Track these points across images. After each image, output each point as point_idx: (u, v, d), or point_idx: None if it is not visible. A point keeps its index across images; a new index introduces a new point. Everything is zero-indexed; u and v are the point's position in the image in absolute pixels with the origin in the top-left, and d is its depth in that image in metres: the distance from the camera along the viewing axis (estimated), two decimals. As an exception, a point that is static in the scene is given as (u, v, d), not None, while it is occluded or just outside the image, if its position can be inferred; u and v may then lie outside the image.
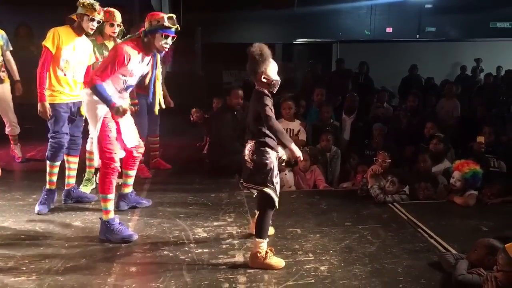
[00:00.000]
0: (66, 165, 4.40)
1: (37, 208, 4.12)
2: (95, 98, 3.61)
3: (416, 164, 5.16)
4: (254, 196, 3.47)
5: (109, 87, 3.62)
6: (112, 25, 4.50)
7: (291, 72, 11.19)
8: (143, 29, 3.62)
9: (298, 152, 3.23)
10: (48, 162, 4.23)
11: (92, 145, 4.64)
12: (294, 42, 13.97)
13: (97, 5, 4.12)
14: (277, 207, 3.26)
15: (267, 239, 3.27)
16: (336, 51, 12.21)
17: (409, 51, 11.93)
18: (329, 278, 3.13)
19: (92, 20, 4.12)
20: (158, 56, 3.72)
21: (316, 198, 4.73)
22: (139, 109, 4.80)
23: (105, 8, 4.48)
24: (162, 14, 3.62)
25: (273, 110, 3.18)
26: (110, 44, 4.61)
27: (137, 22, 5.54)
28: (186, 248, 3.52)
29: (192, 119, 6.58)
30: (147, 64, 3.75)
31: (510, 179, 4.86)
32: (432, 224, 4.03)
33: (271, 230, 3.71)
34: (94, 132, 3.72)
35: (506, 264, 2.40)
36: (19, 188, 4.80)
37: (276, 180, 3.23)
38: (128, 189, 4.23)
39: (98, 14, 4.14)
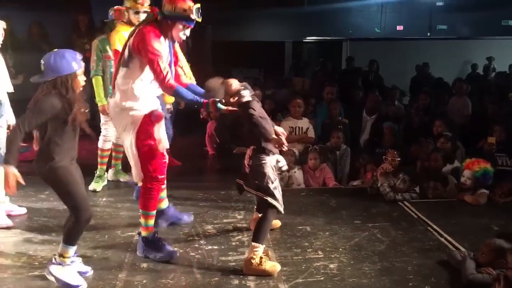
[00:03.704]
0: None
1: None
2: (126, 105, 3.25)
3: (427, 162, 5.14)
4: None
5: (142, 83, 3.25)
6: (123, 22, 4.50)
7: (300, 71, 11.18)
8: (159, 11, 3.22)
9: (278, 139, 3.16)
10: None
11: (104, 142, 4.70)
12: (304, 40, 13.93)
13: None
14: (282, 212, 3.24)
15: (264, 245, 3.18)
16: (346, 49, 12.16)
17: (420, 49, 11.85)
18: (339, 276, 3.14)
19: (137, 13, 4.08)
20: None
21: (326, 196, 4.73)
22: None
23: (115, 7, 4.51)
24: (189, 3, 3.22)
25: (256, 110, 3.20)
26: (121, 42, 4.63)
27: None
28: (196, 245, 3.55)
29: (202, 116, 6.58)
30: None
31: (522, 178, 4.83)
32: (443, 222, 4.02)
33: (277, 223, 3.72)
34: (129, 143, 3.30)
35: None
36: (32, 184, 4.79)
37: (274, 185, 3.19)
38: (164, 204, 3.81)
39: (142, 5, 4.07)
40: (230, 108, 3.14)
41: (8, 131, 3.94)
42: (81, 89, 2.89)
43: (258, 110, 3.21)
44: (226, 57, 10.84)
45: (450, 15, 16.63)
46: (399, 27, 17.09)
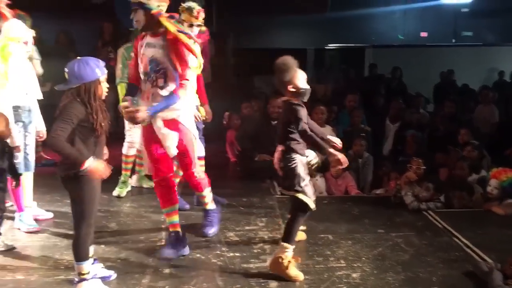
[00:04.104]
0: None
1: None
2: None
3: (451, 170, 5.06)
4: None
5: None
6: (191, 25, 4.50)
7: (323, 78, 11.15)
8: None
9: (339, 156, 3.15)
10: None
11: (129, 149, 4.77)
12: (326, 47, 13.90)
13: (195, 10, 3.98)
14: (313, 209, 3.22)
15: (294, 246, 3.20)
16: (369, 56, 12.08)
17: (444, 56, 11.68)
18: (362, 285, 3.11)
19: (191, 26, 4.00)
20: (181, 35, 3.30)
21: (348, 204, 4.69)
22: None
23: None
24: None
25: (306, 121, 3.19)
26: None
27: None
28: (218, 252, 3.56)
29: (225, 122, 6.59)
30: (155, 47, 3.35)
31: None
32: (468, 232, 3.95)
33: (302, 236, 3.71)
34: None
35: None
36: (58, 189, 4.90)
37: (305, 183, 3.18)
38: None
39: (196, 18, 4.01)
40: (125, 108, 3.21)
41: (37, 137, 4.04)
42: (104, 97, 2.93)
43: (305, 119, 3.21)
44: (248, 65, 10.90)
45: (475, 21, 16.34)
46: (423, 34, 16.85)
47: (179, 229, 3.53)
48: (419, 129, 6.43)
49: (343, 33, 15.09)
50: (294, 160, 3.18)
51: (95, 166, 2.78)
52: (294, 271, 3.13)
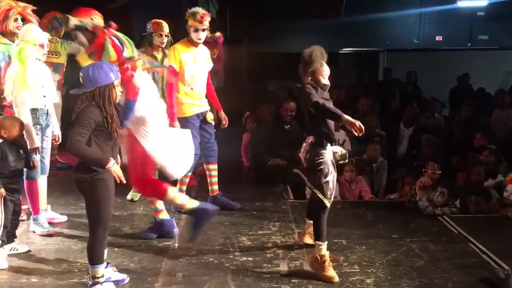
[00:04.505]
0: (207, 173, 4.54)
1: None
2: None
3: (469, 175, 4.99)
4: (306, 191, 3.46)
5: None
6: (160, 35, 4.60)
7: (336, 82, 11.13)
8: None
9: (354, 121, 3.12)
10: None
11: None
12: (340, 52, 13.87)
13: (198, 14, 4.04)
14: (327, 206, 3.23)
15: (326, 242, 3.24)
16: (383, 60, 12.02)
17: (460, 60, 11.58)
18: (375, 291, 3.07)
19: (196, 31, 4.06)
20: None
21: (362, 209, 4.65)
22: None
23: (153, 20, 4.62)
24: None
25: (318, 96, 3.17)
26: (159, 55, 4.73)
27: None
28: (231, 256, 3.55)
29: (244, 122, 6.59)
30: None
31: None
32: (484, 238, 3.88)
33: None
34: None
35: None
36: (72, 192, 4.96)
37: (327, 179, 3.19)
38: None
39: (200, 23, 4.05)
40: None
41: (53, 141, 4.08)
42: (117, 101, 2.95)
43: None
44: (261, 69, 10.92)
45: (491, 25, 16.16)
46: (438, 38, 16.70)
47: (162, 215, 3.81)
48: (434, 133, 6.36)
49: (358, 37, 15.05)
50: (321, 155, 3.21)
51: (116, 169, 2.88)
52: (330, 272, 3.16)
